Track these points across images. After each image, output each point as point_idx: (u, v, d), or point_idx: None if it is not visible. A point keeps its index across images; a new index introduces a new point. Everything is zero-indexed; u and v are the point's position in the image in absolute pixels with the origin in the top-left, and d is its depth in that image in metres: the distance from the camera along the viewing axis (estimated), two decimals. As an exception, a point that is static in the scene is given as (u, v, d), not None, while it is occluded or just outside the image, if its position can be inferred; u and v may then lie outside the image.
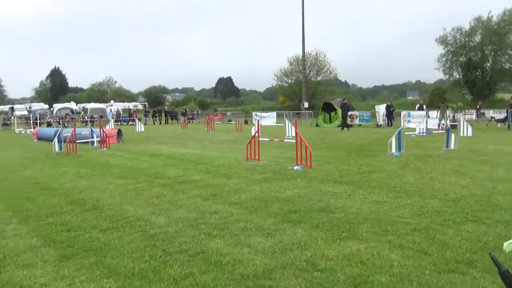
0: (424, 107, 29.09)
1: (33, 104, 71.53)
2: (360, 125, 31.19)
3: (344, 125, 25.69)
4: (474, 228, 4.97)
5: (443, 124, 21.35)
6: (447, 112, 23.55)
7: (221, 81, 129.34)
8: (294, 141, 10.58)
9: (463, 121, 19.87)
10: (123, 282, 3.74)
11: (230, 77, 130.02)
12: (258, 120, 15.38)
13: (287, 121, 22.40)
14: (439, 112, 23.78)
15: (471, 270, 3.76)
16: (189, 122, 40.70)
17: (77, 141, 15.57)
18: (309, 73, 60.49)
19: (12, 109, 61.96)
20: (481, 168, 9.34)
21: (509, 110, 24.83)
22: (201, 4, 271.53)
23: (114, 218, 5.90)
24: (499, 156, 11.44)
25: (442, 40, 50.54)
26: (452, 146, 12.74)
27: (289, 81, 64.19)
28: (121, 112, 52.27)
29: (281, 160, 11.55)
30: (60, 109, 55.92)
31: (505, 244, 1.50)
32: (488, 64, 49.78)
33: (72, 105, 66.46)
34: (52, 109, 61.33)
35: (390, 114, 29.08)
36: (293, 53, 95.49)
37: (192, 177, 9.20)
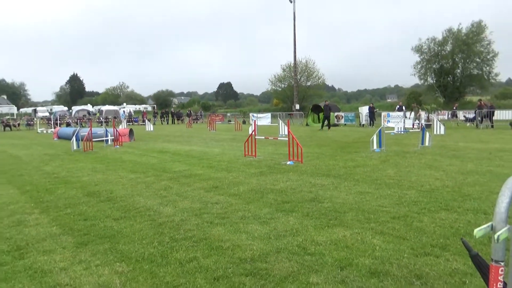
0: (404, 108, 29.11)
1: (54, 106, 71.19)
2: (345, 124, 31.20)
3: (327, 124, 25.00)
4: (447, 216, 4.96)
5: (418, 123, 21.31)
6: (420, 112, 23.64)
7: (222, 85, 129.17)
8: (287, 139, 10.55)
9: (437, 121, 19.91)
10: (134, 265, 3.70)
11: (230, 82, 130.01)
12: (255, 121, 15.35)
13: (280, 121, 22.35)
14: (412, 113, 23.78)
15: (445, 253, 3.75)
16: (193, 122, 40.58)
17: (93, 140, 15.47)
18: (300, 79, 60.40)
19: (35, 111, 61.60)
20: (453, 163, 9.34)
21: (477, 111, 24.88)
22: (204, 15, 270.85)
23: (126, 209, 5.85)
24: (468, 151, 11.46)
25: (418, 49, 50.65)
26: (426, 143, 12.75)
27: (282, 85, 64.10)
28: (133, 114, 52.07)
29: (275, 156, 11.52)
30: (78, 111, 55.63)
31: (476, 230, 1.48)
32: (458, 71, 49.90)
33: (89, 107, 66.21)
34: (71, 111, 61.01)
35: (372, 115, 29.10)
36: (286, 61, 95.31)
37: (196, 171, 9.16)
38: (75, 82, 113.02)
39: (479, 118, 24.28)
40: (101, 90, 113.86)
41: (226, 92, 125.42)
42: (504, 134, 17.86)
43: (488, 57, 47.43)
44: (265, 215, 5.23)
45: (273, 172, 8.62)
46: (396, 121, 24.18)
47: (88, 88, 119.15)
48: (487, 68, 48.11)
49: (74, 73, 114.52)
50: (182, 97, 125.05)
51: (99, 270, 3.62)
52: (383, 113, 29.48)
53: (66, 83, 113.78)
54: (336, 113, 32.13)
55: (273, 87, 65.68)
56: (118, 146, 16.10)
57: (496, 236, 1.44)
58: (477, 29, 47.08)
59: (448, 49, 49.24)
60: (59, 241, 4.49)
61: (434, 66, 50.42)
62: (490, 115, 24.20)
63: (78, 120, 40.88)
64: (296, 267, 3.53)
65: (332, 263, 3.60)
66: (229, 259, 3.76)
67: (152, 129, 30.22)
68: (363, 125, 29.80)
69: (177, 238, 4.43)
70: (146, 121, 32.29)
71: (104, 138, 17.21)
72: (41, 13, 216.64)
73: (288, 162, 9.85)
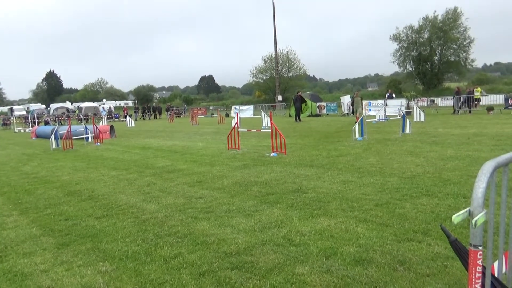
0: (393, 95, 29.51)
1: (31, 104, 69.37)
2: (327, 114, 31.39)
3: (297, 115, 24.52)
4: (428, 201, 5.05)
5: (361, 114, 19.65)
6: (361, 102, 21.90)
7: (204, 79, 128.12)
8: (270, 130, 10.54)
9: (416, 108, 20.21)
10: (117, 264, 3.65)
11: (211, 75, 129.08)
12: (237, 113, 15.28)
13: (263, 113, 22.34)
14: (353, 103, 21.32)
15: (427, 238, 3.82)
16: (176, 116, 40.17)
17: (73, 138, 15.15)
18: (281, 70, 60.46)
19: (11, 110, 59.76)
20: (433, 149, 9.51)
21: (455, 97, 25.36)
22: (183, 9, 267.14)
23: (108, 207, 5.76)
24: (448, 137, 11.69)
25: (396, 37, 51.33)
26: (407, 130, 12.95)
27: (264, 77, 64.11)
28: (113, 110, 51.17)
29: (258, 148, 11.51)
30: (56, 109, 54.17)
31: (454, 216, 1.49)
32: (436, 57, 50.85)
33: (68, 104, 64.59)
34: (48, 109, 59.46)
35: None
36: (267, 52, 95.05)
37: (179, 166, 9.07)
38: (52, 79, 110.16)
39: (457, 104, 24.75)
40: (79, 86, 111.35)
41: (208, 85, 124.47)
42: (481, 119, 18.29)
43: (465, 43, 48.44)
44: (249, 208, 5.22)
45: (257, 165, 8.62)
46: (377, 110, 24.47)
47: (66, 85, 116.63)
48: (464, 54, 49.21)
49: (50, 70, 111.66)
50: (164, 92, 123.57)
51: (81, 270, 3.56)
52: (364, 102, 29.76)
53: (43, 80, 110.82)
54: (318, 103, 32.28)
55: (255, 79, 65.63)
56: (99, 143, 15.82)
57: (473, 221, 1.46)
58: (453, 16, 47.91)
59: (426, 37, 50.04)
60: (39, 242, 4.39)
61: (412, 53, 51.23)
62: (469, 100, 24.71)
63: (57, 118, 39.96)
64: (282, 259, 3.54)
65: (317, 253, 3.62)
66: (214, 254, 3.75)
67: (133, 125, 29.80)
68: (346, 114, 30.04)
69: (161, 235, 4.38)
70: (127, 117, 31.79)
71: (84, 136, 16.88)
72: (13, 7, 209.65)
73: (272, 154, 9.86)
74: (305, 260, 3.49)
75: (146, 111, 45.08)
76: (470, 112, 23.64)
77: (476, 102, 24.98)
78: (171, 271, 3.43)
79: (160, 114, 44.63)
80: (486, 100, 26.87)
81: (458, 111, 23.76)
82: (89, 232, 4.62)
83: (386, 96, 30.00)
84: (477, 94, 25.76)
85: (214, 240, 4.10)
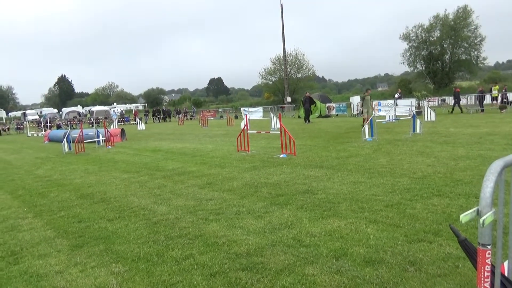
0: (401, 96, 29.38)
1: (43, 109, 70.40)
2: (337, 115, 31.27)
3: (307, 116, 24.66)
4: (439, 201, 5.02)
5: (373, 114, 17.20)
6: (371, 102, 18.58)
7: (213, 81, 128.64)
8: (279, 132, 10.56)
9: (427, 108, 20.03)
10: (130, 265, 3.70)
11: (220, 77, 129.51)
12: (247, 115, 15.34)
13: (272, 114, 22.34)
14: (364, 103, 17.33)
15: (438, 238, 3.80)
16: (185, 119, 40.42)
17: (85, 141, 15.37)
18: (290, 71, 60.42)
19: (24, 115, 60.79)
20: (444, 148, 9.43)
21: (453, 98, 25.31)
22: (192, 11, 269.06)
23: (120, 209, 5.84)
24: (459, 137, 11.57)
25: (406, 37, 50.88)
26: (418, 130, 12.85)
27: (273, 79, 64.12)
28: (124, 113, 51.72)
29: (268, 149, 11.53)
30: (68, 113, 54.96)
31: (461, 216, 1.50)
32: (447, 56, 50.25)
33: (79, 108, 65.52)
34: (60, 113, 60.37)
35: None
36: (275, 54, 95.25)
37: (190, 168, 9.15)
38: (63, 83, 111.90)
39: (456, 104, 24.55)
40: (90, 90, 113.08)
41: (217, 87, 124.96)
42: (493, 118, 18.04)
43: (476, 41, 47.83)
44: (259, 209, 5.25)
45: (267, 166, 8.64)
46: (387, 110, 24.30)
47: (77, 89, 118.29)
48: (475, 52, 48.54)
49: (62, 75, 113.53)
50: (173, 94, 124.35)
51: (95, 271, 3.62)
52: (374, 102, 29.58)
53: (55, 85, 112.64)
54: (327, 104, 32.18)
55: (264, 81, 65.68)
56: (110, 146, 16.01)
57: (481, 221, 1.47)
58: (463, 14, 47.36)
59: (436, 35, 49.53)
60: (53, 244, 4.48)
61: (422, 53, 50.71)
62: (480, 99, 24.40)
63: (69, 122, 40.53)
64: (292, 260, 3.56)
65: (327, 253, 3.63)
66: (225, 255, 3.78)
67: (144, 128, 30.07)
68: (356, 114, 29.85)
69: (172, 236, 4.43)
70: (138, 120, 32.10)
71: (96, 139, 17.09)
72: (25, 13, 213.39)
73: (281, 155, 9.87)
74: (315, 261, 3.50)
75: (156, 114, 45.47)
76: (482, 111, 23.34)
77: (495, 102, 24.65)
78: (183, 272, 3.48)
79: (170, 117, 44.92)
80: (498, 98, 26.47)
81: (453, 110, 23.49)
82: (101, 234, 4.70)
83: (397, 96, 29.80)
84: (495, 92, 25.39)
85: (224, 241, 4.13)
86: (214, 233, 4.44)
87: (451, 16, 48.18)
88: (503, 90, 26.50)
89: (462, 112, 23.75)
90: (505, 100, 25.02)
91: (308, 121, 24.56)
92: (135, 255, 3.94)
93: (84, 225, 5.15)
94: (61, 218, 5.58)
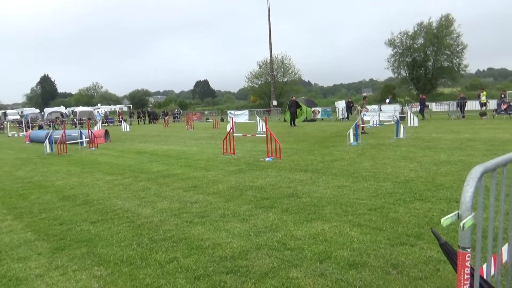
0: (391, 100, 30.14)
1: (24, 109, 68.94)
2: (322, 119, 31.52)
3: (293, 120, 24.93)
4: (421, 205, 5.11)
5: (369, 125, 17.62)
6: (359, 109, 18.78)
7: (199, 83, 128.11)
8: (265, 135, 10.59)
9: (410, 113, 20.37)
10: (112, 269, 3.65)
11: (206, 80, 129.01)
12: (233, 118, 15.32)
13: (258, 118, 22.37)
14: (358, 111, 17.65)
15: (419, 242, 3.86)
16: (174, 121, 40.13)
17: (67, 142, 15.10)
18: (276, 75, 60.70)
19: (5, 114, 59.36)
20: (426, 153, 9.60)
21: (423, 103, 26.04)
22: (179, 13, 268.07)
23: (103, 211, 5.76)
24: (441, 142, 11.80)
25: (391, 43, 51.70)
26: (401, 135, 13.06)
27: (259, 82, 64.29)
28: (108, 114, 51.03)
29: (253, 153, 11.55)
30: (50, 113, 53.91)
31: (443, 219, 1.54)
32: (430, 63, 51.24)
33: (62, 109, 64.31)
34: (43, 113, 59.22)
35: (349, 109, 29.54)
36: (262, 57, 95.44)
37: (175, 171, 9.08)
38: (46, 83, 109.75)
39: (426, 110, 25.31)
40: (74, 91, 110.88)
41: (203, 89, 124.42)
42: (474, 124, 18.47)
43: (458, 49, 48.92)
44: (244, 212, 5.25)
45: (252, 169, 8.65)
46: (372, 115, 24.62)
47: (61, 89, 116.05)
48: (457, 60, 49.64)
49: (45, 74, 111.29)
50: (159, 96, 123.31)
51: (76, 275, 3.56)
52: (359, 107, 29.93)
53: (37, 84, 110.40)
54: (313, 108, 32.42)
55: (250, 84, 65.78)
56: (93, 148, 15.78)
57: (462, 224, 1.50)
58: (446, 22, 48.45)
59: (420, 42, 50.48)
60: (34, 247, 4.38)
61: (406, 59, 51.61)
62: (462, 105, 24.93)
63: (51, 123, 39.78)
64: (276, 263, 3.57)
65: (311, 257, 3.66)
66: (210, 258, 3.77)
67: (128, 129, 29.73)
68: (343, 119, 30.16)
69: (156, 239, 4.39)
70: (122, 121, 31.72)
71: (79, 140, 16.82)
72: (6, 11, 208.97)
73: (267, 159, 9.90)
74: (300, 264, 3.52)
75: (141, 115, 45.03)
76: (463, 117, 23.86)
77: (484, 108, 25.08)
78: (166, 275, 3.45)
79: (156, 119, 44.53)
80: (478, 105, 27.11)
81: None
82: (84, 237, 4.62)
83: (387, 101, 30.32)
84: (483, 98, 25.76)
85: (209, 245, 4.12)
86: (198, 236, 4.42)
87: (434, 24, 49.24)
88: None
89: (423, 118, 24.38)
90: (484, 107, 25.57)
91: (294, 124, 24.72)
92: (118, 258, 3.89)
93: (65, 227, 5.05)
94: (42, 220, 5.47)
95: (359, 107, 18.05)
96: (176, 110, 50.56)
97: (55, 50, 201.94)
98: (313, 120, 30.63)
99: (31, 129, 32.02)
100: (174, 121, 43.71)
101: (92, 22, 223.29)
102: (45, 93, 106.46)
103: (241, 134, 13.91)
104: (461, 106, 25.07)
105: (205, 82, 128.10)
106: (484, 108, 25.31)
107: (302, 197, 5.89)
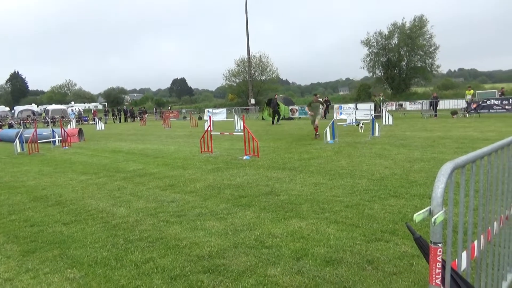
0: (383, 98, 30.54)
1: (-7, 107, 66.30)
2: (300, 118, 31.74)
3: (277, 118, 25.12)
4: (395, 202, 5.22)
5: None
6: (321, 108, 16.93)
7: (176, 81, 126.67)
8: (243, 134, 10.57)
9: (385, 112, 20.78)
10: (86, 270, 3.56)
11: (184, 78, 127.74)
12: (210, 116, 15.24)
13: (236, 116, 22.34)
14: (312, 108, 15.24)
15: (394, 238, 3.94)
16: (156, 119, 39.50)
17: (39, 141, 14.64)
18: (254, 73, 60.69)
19: (-28, 113, 56.99)
20: (400, 151, 9.82)
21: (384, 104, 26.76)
22: (156, 11, 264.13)
23: (76, 212, 5.61)
24: (414, 140, 12.09)
25: (366, 42, 52.55)
26: (376, 133, 13.30)
27: (237, 80, 64.08)
28: (82, 113, 49.78)
29: (231, 151, 11.51)
30: (21, 111, 52.08)
31: (415, 215, 1.57)
32: (404, 63, 52.40)
33: (33, 107, 62.21)
34: (13, 111, 57.13)
35: (327, 108, 29.85)
36: (240, 55, 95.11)
37: (151, 170, 8.95)
38: (16, 80, 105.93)
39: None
40: (46, 88, 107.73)
41: (180, 88, 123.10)
42: (446, 123, 19.02)
43: (430, 50, 50.21)
44: (222, 211, 5.22)
45: (230, 168, 8.62)
46: (348, 113, 25.00)
47: (32, 86, 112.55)
48: (430, 60, 50.94)
49: (15, 71, 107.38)
50: (135, 94, 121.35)
51: (48, 278, 3.45)
52: (336, 106, 30.34)
53: (7, 81, 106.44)
54: (290, 107, 32.60)
55: (228, 82, 65.50)
56: (67, 147, 15.35)
57: (433, 220, 1.54)
58: (419, 23, 49.66)
59: (394, 43, 51.55)
60: (3, 250, 4.22)
61: (381, 59, 52.60)
62: (434, 105, 25.62)
63: (22, 121, 38.47)
64: (254, 261, 3.56)
65: (288, 254, 3.67)
66: (187, 258, 3.73)
67: (103, 128, 29.11)
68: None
69: (132, 239, 4.31)
70: (97, 119, 31.00)
71: (51, 139, 16.34)
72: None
73: (245, 157, 9.89)
74: (277, 261, 3.53)
75: (116, 114, 44.14)
76: (436, 116, 24.54)
77: (474, 106, 25.43)
78: (142, 276, 3.39)
79: (132, 118, 43.73)
80: (450, 104, 27.93)
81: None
82: (56, 239, 4.49)
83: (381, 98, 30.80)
84: (469, 97, 25.89)
85: (186, 244, 4.08)
86: (175, 235, 4.37)
87: (408, 25, 50.38)
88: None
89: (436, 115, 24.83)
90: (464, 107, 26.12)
91: (277, 121, 24.90)
92: (92, 260, 3.79)
93: (37, 229, 4.89)
94: (12, 222, 5.28)
95: (307, 108, 17.40)
96: (155, 110, 49.90)
97: (26, 47, 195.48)
98: (290, 119, 30.80)
99: (1, 128, 30.87)
100: (157, 118, 43.04)
101: (65, 18, 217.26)
102: (15, 90, 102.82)
103: (219, 133, 13.84)
104: (434, 105, 25.77)
105: (182, 80, 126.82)
106: (467, 107, 25.79)
107: (279, 195, 5.91)
